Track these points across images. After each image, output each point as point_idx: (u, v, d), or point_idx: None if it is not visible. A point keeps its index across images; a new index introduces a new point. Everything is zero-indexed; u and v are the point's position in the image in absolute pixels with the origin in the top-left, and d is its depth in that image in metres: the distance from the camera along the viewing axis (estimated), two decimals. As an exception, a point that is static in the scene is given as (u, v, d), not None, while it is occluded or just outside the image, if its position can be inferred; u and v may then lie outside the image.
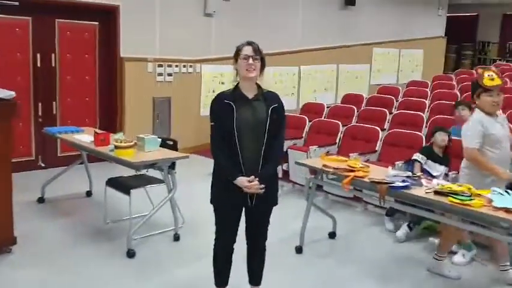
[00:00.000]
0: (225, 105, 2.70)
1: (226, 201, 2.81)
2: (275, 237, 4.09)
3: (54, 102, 6.25)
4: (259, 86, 2.80)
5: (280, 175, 5.65)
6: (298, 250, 4.00)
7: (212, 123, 2.76)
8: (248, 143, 2.71)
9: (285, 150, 5.54)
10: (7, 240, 3.72)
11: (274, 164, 2.82)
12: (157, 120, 6.96)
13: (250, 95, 2.75)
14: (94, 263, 3.71)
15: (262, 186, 2.71)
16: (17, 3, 5.67)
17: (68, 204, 5.02)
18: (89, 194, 5.26)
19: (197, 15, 7.25)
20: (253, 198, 2.76)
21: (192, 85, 7.33)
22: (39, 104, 6.13)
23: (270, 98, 2.78)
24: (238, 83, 2.78)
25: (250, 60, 2.69)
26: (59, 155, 6.27)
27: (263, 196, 2.74)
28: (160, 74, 6.92)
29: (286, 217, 4.58)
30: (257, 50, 2.72)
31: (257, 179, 2.70)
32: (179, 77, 7.13)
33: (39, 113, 6.13)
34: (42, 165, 6.15)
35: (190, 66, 7.24)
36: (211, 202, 2.86)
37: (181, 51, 7.06)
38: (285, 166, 5.63)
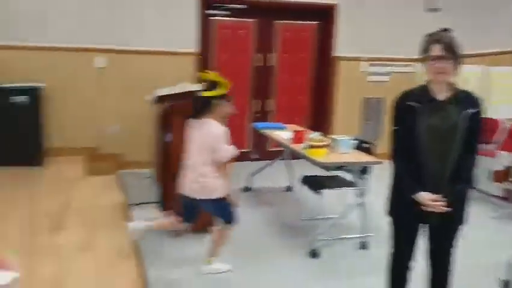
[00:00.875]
0: (410, 108, 2.37)
1: (403, 215, 2.50)
2: (477, 264, 3.52)
3: (270, 100, 6.64)
4: (453, 86, 2.37)
5: (499, 194, 4.86)
6: (505, 285, 3.32)
7: (395, 128, 2.46)
8: (435, 153, 2.33)
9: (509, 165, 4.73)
10: (207, 223, 4.06)
11: (467, 182, 2.38)
12: (367, 122, 6.74)
13: (441, 97, 2.36)
14: (276, 258, 3.76)
15: (449, 209, 2.30)
16: (245, 6, 6.20)
17: (269, 196, 5.25)
18: (289, 189, 5.42)
19: (419, 11, 6.71)
20: (434, 215, 2.36)
21: (409, 85, 6.83)
22: (257, 101, 6.59)
23: (466, 101, 2.34)
24: (427, 81, 2.41)
25: (440, 63, 2.27)
26: (268, 149, 6.64)
27: (447, 213, 2.33)
28: (373, 74, 6.68)
29: (498, 243, 3.89)
30: (449, 48, 2.25)
31: (445, 198, 2.30)
32: (394, 77, 6.75)
33: (256, 109, 6.60)
34: (255, 156, 6.62)
35: (408, 65, 6.77)
36: (388, 214, 2.59)
37: (398, 49, 6.65)
38: (507, 184, 4.78)
